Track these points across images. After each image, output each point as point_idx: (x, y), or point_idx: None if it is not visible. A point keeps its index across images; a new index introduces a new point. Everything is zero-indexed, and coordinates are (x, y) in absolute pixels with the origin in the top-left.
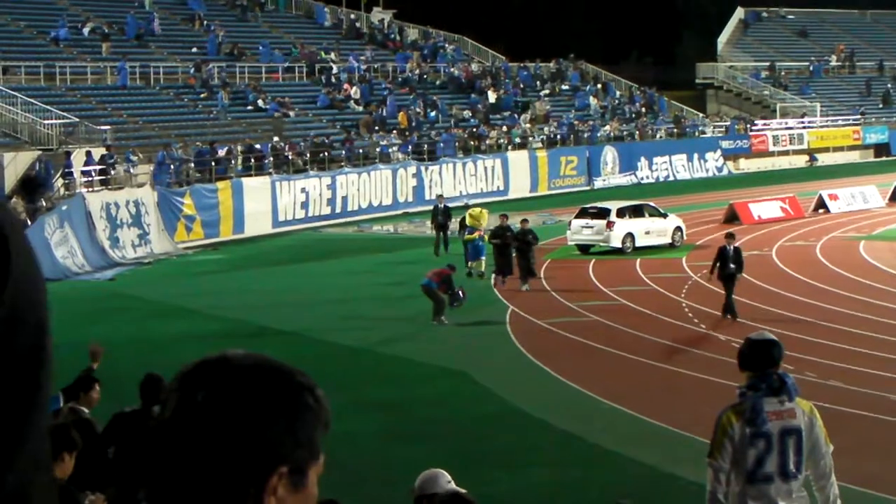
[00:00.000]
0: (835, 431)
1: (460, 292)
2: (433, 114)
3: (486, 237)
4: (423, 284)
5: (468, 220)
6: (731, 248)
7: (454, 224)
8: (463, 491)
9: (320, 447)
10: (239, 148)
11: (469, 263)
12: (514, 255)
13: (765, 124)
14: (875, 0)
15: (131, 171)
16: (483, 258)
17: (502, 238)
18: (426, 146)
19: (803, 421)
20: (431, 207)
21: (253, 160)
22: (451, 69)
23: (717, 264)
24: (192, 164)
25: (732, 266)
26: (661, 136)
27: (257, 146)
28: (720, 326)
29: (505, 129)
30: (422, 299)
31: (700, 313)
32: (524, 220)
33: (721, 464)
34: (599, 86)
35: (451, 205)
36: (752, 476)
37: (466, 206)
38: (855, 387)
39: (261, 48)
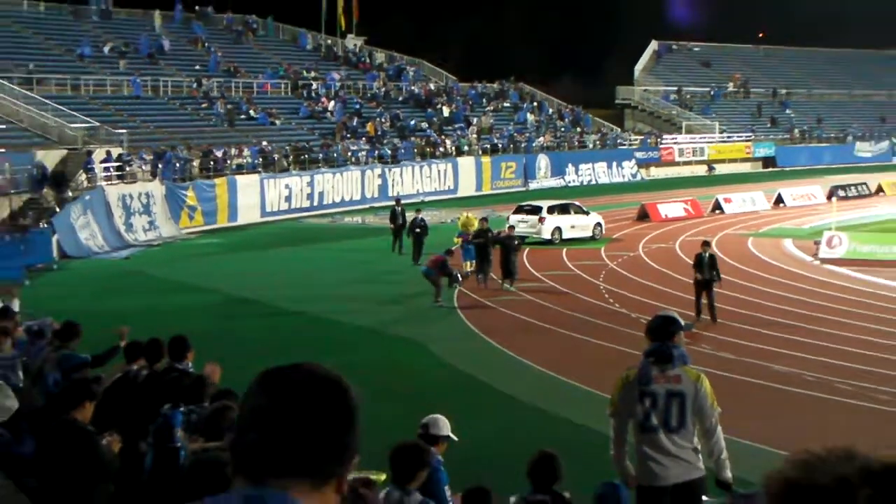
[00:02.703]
0: (725, 395)
1: (458, 274)
2: (412, 122)
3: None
4: (422, 271)
5: (459, 226)
6: (707, 255)
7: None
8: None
9: None
10: (233, 150)
11: (465, 261)
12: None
13: (672, 139)
14: (766, 37)
15: (143, 167)
16: (473, 260)
17: (483, 238)
18: (390, 151)
19: (688, 386)
20: (390, 208)
21: (244, 160)
22: (412, 87)
23: (695, 270)
24: (196, 164)
25: (707, 272)
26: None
27: (245, 151)
28: (633, 306)
29: (454, 138)
30: (386, 277)
31: (615, 294)
32: (511, 227)
33: (617, 415)
34: (535, 104)
35: (409, 201)
36: (643, 427)
37: (422, 203)
38: (743, 358)
39: (263, 76)
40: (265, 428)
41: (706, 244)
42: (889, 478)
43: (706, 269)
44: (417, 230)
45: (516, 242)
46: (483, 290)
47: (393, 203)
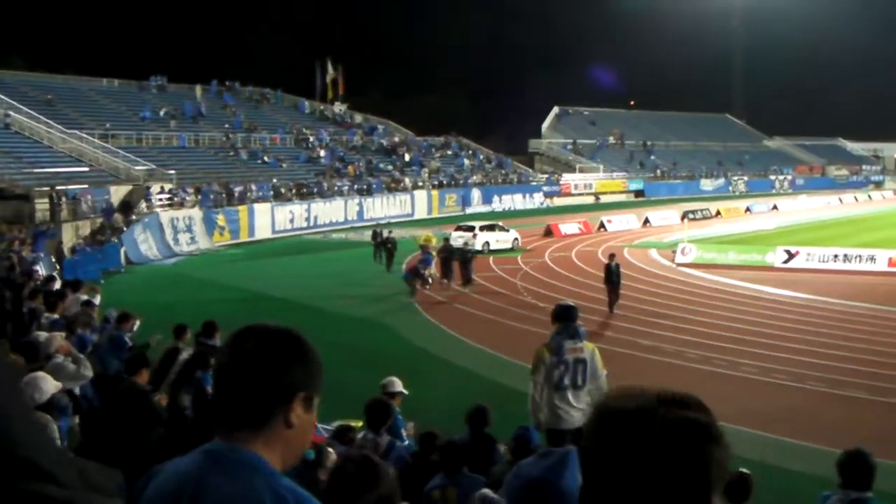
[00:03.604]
0: (608, 362)
1: (429, 277)
2: (381, 165)
3: (434, 252)
4: (402, 276)
5: (422, 241)
6: (614, 264)
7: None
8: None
9: (321, 387)
10: (252, 186)
11: (425, 269)
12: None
13: (569, 177)
14: (637, 104)
15: (187, 198)
16: (431, 266)
17: (447, 253)
18: (365, 186)
19: (588, 355)
20: (371, 230)
21: (258, 193)
22: (381, 140)
23: (605, 276)
24: (224, 195)
25: (615, 278)
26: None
27: (253, 186)
28: (541, 298)
29: (411, 177)
30: (370, 281)
31: (528, 290)
32: (465, 243)
33: (537, 379)
34: (470, 152)
35: (381, 222)
36: (557, 386)
37: (388, 224)
38: (621, 335)
39: (274, 132)
40: (218, 387)
41: (613, 256)
42: (682, 398)
43: (614, 275)
44: (389, 245)
45: (470, 255)
46: (443, 290)
47: (374, 225)
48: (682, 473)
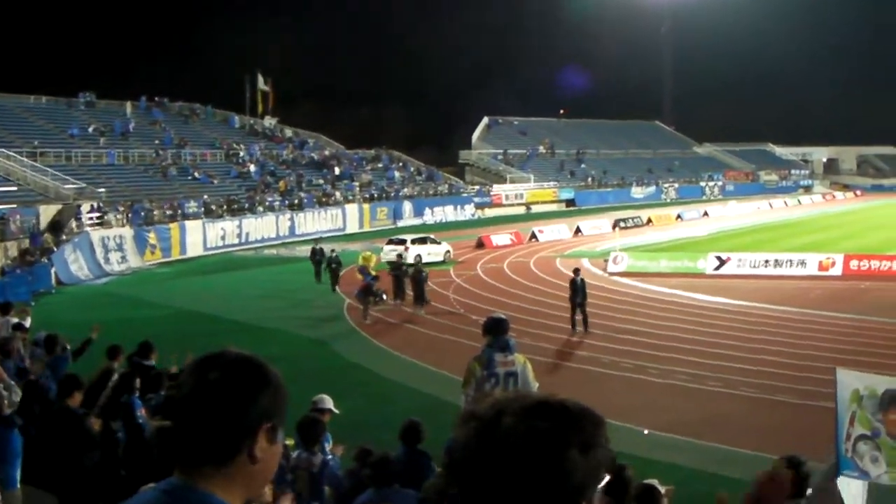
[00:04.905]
0: (541, 374)
1: (384, 295)
2: (312, 179)
3: (374, 272)
4: (355, 294)
5: (361, 261)
6: (579, 279)
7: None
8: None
9: (286, 416)
10: (178, 201)
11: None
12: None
13: (500, 188)
14: (567, 113)
15: (117, 216)
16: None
17: (398, 270)
18: (296, 201)
19: (519, 367)
20: (310, 249)
21: (190, 210)
22: (312, 154)
23: (571, 293)
24: (155, 212)
25: (580, 295)
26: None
27: (193, 202)
28: (472, 310)
29: (343, 190)
30: (298, 292)
31: (460, 302)
32: (419, 260)
33: (468, 392)
34: (401, 164)
35: (311, 237)
36: None
37: (319, 240)
38: (555, 346)
39: (204, 148)
40: (180, 420)
41: (577, 271)
42: (542, 407)
43: (580, 291)
44: (334, 265)
45: (423, 275)
46: (393, 310)
47: (312, 241)
48: (539, 480)
